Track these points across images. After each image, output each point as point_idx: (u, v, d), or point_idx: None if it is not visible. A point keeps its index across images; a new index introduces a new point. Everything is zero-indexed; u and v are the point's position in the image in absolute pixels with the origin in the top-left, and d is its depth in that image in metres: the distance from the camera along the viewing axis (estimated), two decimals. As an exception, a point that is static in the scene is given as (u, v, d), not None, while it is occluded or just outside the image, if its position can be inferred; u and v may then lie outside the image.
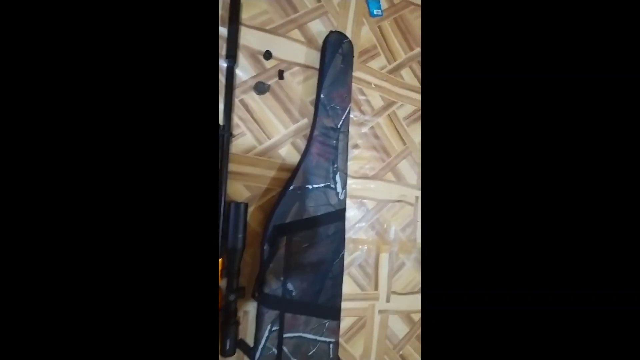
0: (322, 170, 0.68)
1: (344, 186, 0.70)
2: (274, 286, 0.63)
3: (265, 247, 0.63)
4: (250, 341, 0.64)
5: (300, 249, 0.65)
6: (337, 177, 0.69)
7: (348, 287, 0.77)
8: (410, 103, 0.88)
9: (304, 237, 0.65)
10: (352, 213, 0.79)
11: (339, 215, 0.69)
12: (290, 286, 0.64)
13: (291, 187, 0.65)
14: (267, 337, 0.62)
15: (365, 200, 0.82)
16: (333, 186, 0.68)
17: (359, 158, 0.81)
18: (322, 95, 0.69)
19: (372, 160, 0.83)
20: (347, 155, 0.71)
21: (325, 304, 0.67)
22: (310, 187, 0.66)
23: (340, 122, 0.71)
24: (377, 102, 0.84)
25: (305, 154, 0.67)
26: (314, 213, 0.66)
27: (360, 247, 0.81)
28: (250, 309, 0.66)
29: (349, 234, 0.79)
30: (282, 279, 0.63)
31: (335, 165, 0.69)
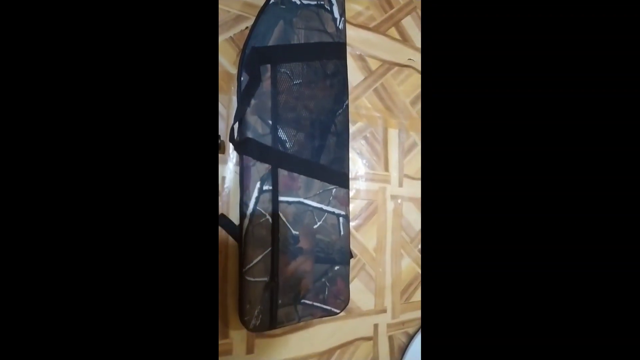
0: (312, -16, 0.50)
1: (343, 12, 0.52)
2: (260, 131, 0.46)
3: (242, 77, 0.45)
4: (233, 217, 0.48)
5: (291, 87, 0.48)
6: (333, -4, 0.52)
7: (354, 164, 0.62)
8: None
9: (295, 71, 0.48)
10: (351, 70, 0.62)
11: (339, 50, 0.52)
12: (282, 135, 0.47)
13: (272, 1, 0.47)
14: (257, 199, 0.45)
15: (367, 58, 0.65)
16: (328, 8, 0.51)
17: (356, 0, 0.63)
18: None
19: (372, 7, 0.66)
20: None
21: (329, 166, 0.51)
22: (297, 1, 0.48)
23: None
24: None
25: (287, -39, 0.49)
26: (305, 39, 0.49)
27: (363, 115, 0.65)
28: (229, 173, 0.49)
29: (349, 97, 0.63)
30: (270, 122, 0.46)
31: (329, -18, 0.51)
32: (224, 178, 0.48)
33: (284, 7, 0.47)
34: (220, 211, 0.47)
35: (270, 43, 0.46)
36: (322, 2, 0.50)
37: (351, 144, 0.60)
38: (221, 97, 0.49)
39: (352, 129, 0.62)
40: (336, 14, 0.52)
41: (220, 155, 0.48)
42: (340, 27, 0.52)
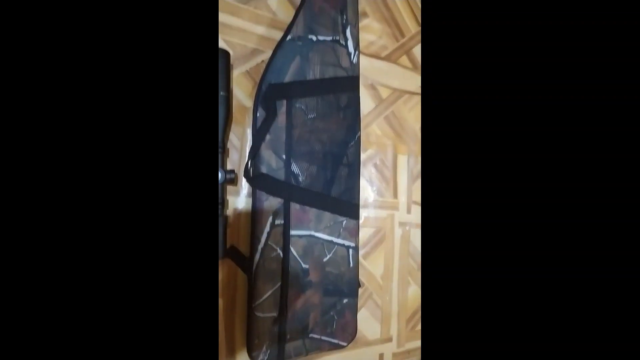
0: (328, 19, 0.51)
1: (357, 46, 0.53)
2: (274, 165, 0.46)
3: (258, 113, 0.46)
4: (243, 249, 0.48)
5: (305, 121, 0.48)
6: (348, 31, 0.52)
7: (364, 191, 0.62)
8: (424, -27, 0.72)
9: (310, 105, 0.48)
10: (363, 98, 0.63)
11: (352, 83, 0.53)
12: (295, 169, 0.47)
13: (289, 37, 0.47)
14: (269, 234, 0.45)
15: (378, 87, 0.66)
16: (343, 43, 0.52)
17: (369, 30, 0.64)
18: None
19: (384, 36, 0.66)
20: (357, 6, 0.54)
21: (340, 198, 0.51)
22: (314, 38, 0.49)
23: (348, -40, 0.53)
24: (387, -39, 0.67)
25: (304, -2, 0.49)
26: (320, 74, 0.49)
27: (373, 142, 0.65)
28: (241, 204, 0.49)
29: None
30: (284, 157, 0.47)
31: (345, 17, 0.52)
32: (235, 209, 0.49)
33: (300, 43, 0.48)
34: (230, 242, 0.48)
35: (287, 78, 0.47)
36: (338, 38, 0.51)
37: (361, 171, 0.60)
38: (235, 129, 0.49)
39: (363, 156, 0.62)
40: (351, 49, 0.52)
41: (232, 187, 0.48)
42: (354, 61, 0.53)
